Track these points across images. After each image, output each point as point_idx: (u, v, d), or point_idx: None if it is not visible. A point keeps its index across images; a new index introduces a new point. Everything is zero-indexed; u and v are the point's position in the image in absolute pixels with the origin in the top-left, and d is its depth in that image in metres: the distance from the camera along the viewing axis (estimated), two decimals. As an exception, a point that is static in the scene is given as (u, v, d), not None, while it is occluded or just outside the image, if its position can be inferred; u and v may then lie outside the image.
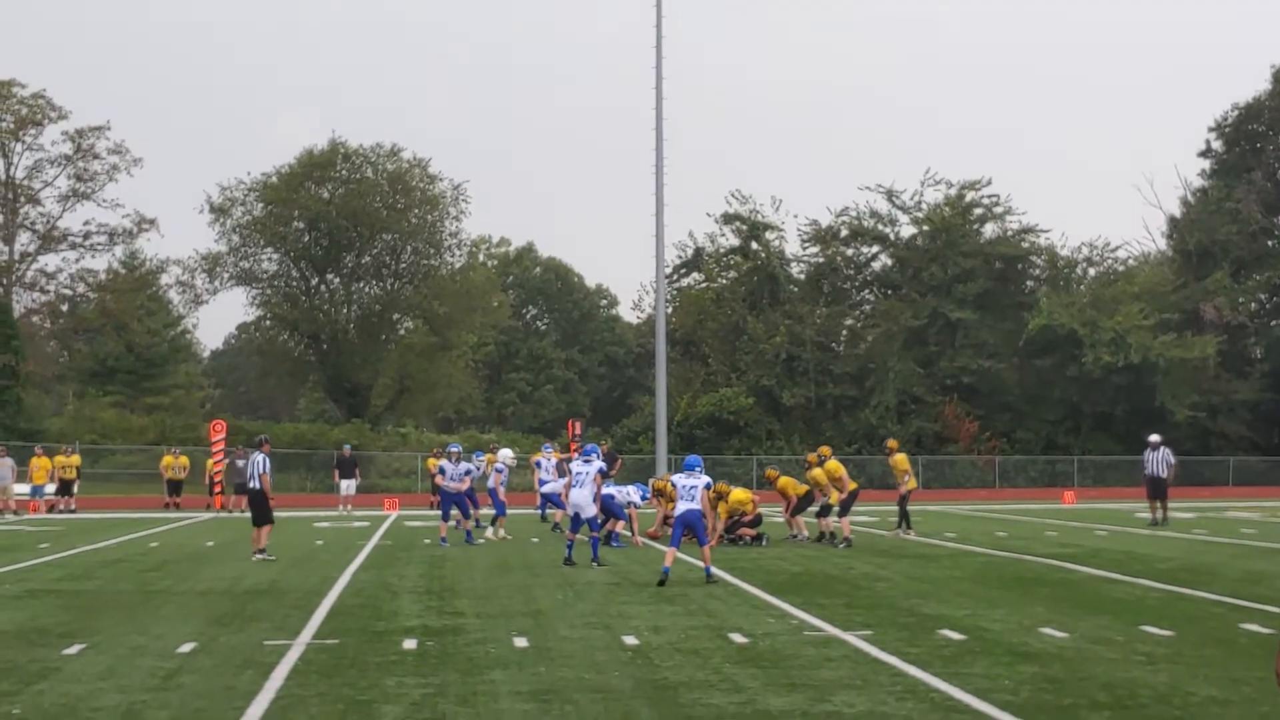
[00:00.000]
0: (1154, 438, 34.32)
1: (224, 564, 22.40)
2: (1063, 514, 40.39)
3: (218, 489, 43.29)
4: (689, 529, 19.31)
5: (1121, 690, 10.61)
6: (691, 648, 12.85)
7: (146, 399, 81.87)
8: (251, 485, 23.20)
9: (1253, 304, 72.82)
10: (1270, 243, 72.50)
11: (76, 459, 42.76)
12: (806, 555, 23.72)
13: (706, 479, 19.70)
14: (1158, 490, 33.50)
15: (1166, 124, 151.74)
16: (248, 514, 37.19)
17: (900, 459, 29.03)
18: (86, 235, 67.28)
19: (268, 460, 23.30)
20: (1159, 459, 33.33)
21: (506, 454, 28.70)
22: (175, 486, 43.19)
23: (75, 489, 41.99)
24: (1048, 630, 13.90)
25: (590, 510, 22.34)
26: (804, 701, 10.20)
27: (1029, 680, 11.06)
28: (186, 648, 12.99)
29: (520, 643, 13.20)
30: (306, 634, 13.92)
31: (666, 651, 12.62)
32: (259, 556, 22.74)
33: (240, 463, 39.60)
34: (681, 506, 19.34)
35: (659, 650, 12.70)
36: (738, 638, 13.51)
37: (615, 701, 10.24)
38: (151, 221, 68.04)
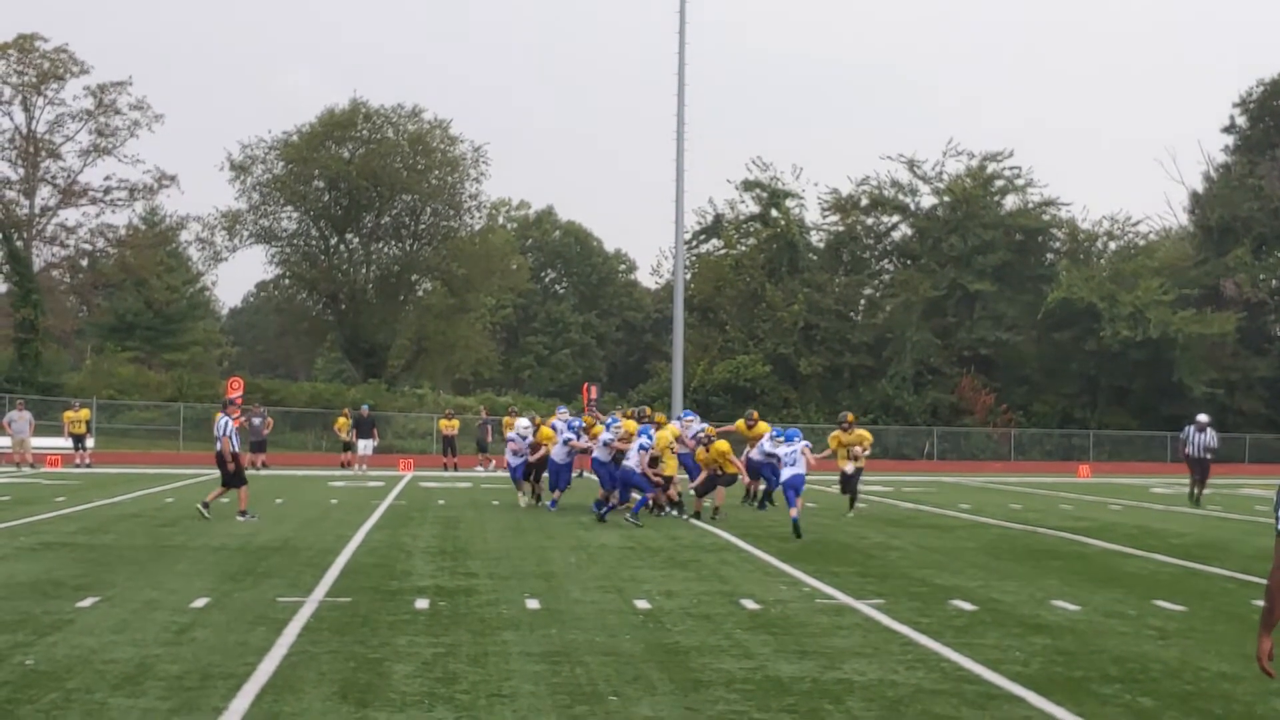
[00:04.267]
0: (1202, 417, 33.24)
1: (238, 521, 22.44)
2: (1078, 488, 40.37)
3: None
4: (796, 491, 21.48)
5: (1133, 664, 10.61)
6: (703, 613, 12.86)
7: (165, 355, 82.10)
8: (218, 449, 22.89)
9: (1273, 281, 72.42)
10: (1292, 220, 72.17)
11: (85, 413, 42.80)
12: (821, 524, 23.68)
13: (805, 441, 22.37)
14: (1204, 471, 32.58)
15: (1191, 98, 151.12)
16: (264, 471, 37.45)
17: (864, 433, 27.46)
18: (107, 190, 67.33)
19: (230, 423, 22.92)
20: (1204, 440, 32.34)
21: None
22: None
23: (88, 443, 42.16)
24: (1060, 603, 13.90)
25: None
26: (814, 669, 10.21)
27: (1040, 652, 11.06)
28: (200, 603, 13.04)
29: (532, 604, 13.23)
30: (319, 591, 13.96)
31: (678, 616, 12.64)
32: (241, 518, 22.51)
33: (256, 420, 39.77)
34: (787, 472, 21.58)
35: (670, 615, 12.72)
36: (750, 604, 13.52)
37: (626, 664, 10.26)
38: (172, 178, 68.04)
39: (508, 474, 28.36)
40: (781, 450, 22.62)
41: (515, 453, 26.93)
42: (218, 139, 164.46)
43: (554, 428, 26.30)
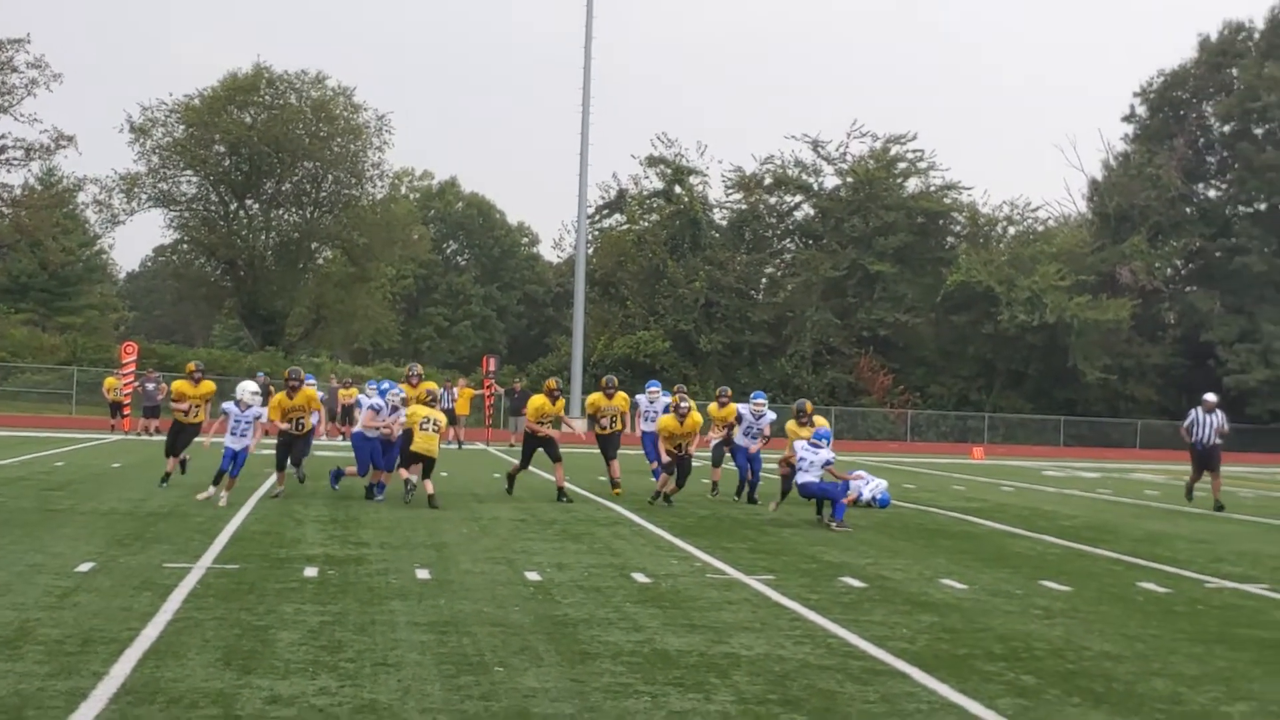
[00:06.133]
0: (1210, 397, 26.61)
1: (129, 486, 22.21)
2: (971, 469, 40.80)
3: (126, 410, 42.86)
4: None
5: (1017, 642, 10.71)
6: (593, 585, 12.86)
7: (59, 318, 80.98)
8: None
9: (1168, 269, 73.68)
10: (1188, 209, 73.37)
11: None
12: (716, 500, 23.75)
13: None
14: (1212, 461, 26.44)
15: (1092, 86, 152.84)
16: (157, 437, 37.03)
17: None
18: (2, 149, 66.06)
19: None
20: (1214, 423, 26.24)
21: None
22: (116, 408, 42.93)
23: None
24: (948, 581, 14.02)
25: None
26: (702, 643, 10.23)
27: (926, 630, 11.15)
28: (85, 567, 12.86)
29: (422, 574, 13.17)
30: (207, 558, 13.81)
31: (568, 588, 12.63)
32: None
33: (150, 386, 39.31)
34: (802, 477, 19.56)
35: (560, 587, 12.70)
36: (640, 578, 13.53)
37: (514, 635, 10.23)
38: (70, 138, 66.67)
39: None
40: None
41: (235, 432, 21.34)
42: (118, 100, 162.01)
43: (358, 402, 23.93)
